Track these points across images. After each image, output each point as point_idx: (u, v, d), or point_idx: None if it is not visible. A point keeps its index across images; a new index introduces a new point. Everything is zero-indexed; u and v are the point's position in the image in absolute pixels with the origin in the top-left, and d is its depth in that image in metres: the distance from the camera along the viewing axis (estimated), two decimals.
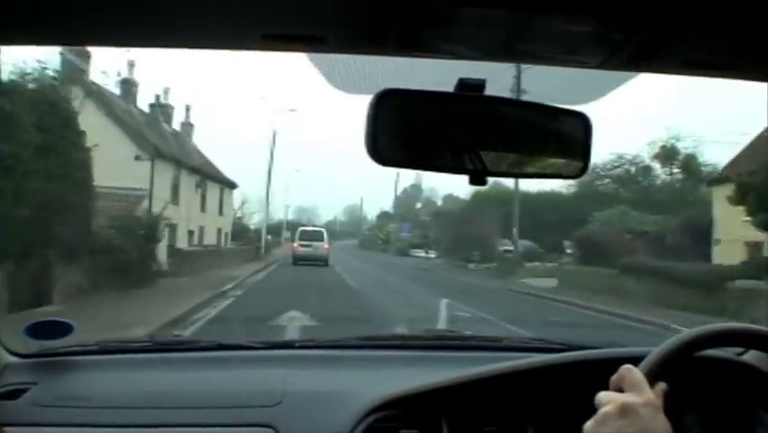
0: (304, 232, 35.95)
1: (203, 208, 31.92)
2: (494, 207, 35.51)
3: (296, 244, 34.41)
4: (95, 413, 1.74)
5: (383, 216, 77.44)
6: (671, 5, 1.02)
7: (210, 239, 33.12)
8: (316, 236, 34.95)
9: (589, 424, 1.10)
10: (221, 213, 36.10)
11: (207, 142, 53.84)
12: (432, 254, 46.47)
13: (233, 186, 38.16)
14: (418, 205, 69.93)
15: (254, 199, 51.18)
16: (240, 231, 41.42)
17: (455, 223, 41.03)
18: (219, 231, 35.46)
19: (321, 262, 31.74)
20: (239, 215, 46.18)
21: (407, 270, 32.52)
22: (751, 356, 1.72)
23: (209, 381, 1.92)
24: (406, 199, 73.11)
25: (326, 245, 34.31)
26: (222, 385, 1.89)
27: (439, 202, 66.69)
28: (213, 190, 33.76)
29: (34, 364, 1.91)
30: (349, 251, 53.58)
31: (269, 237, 47.56)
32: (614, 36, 1.11)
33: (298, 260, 32.26)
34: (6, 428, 1.69)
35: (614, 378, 1.14)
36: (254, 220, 49.68)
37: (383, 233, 67.81)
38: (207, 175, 32.41)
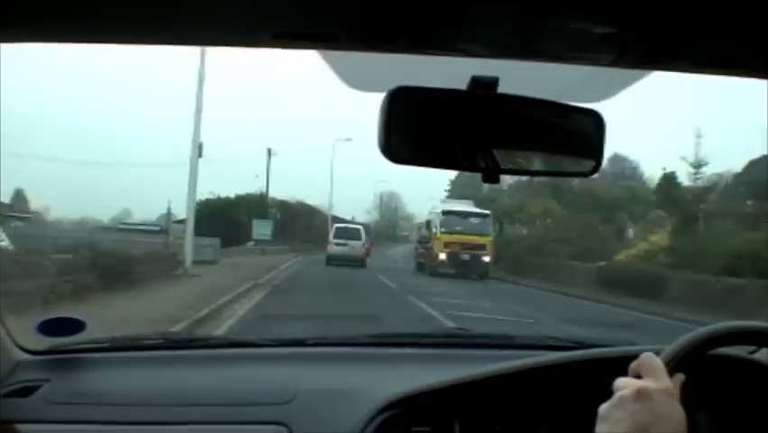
0: (339, 229, 33.63)
1: None
2: None
3: (330, 243, 32.41)
4: (106, 410, 1.75)
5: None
6: (683, 4, 1.02)
7: None
8: (353, 234, 32.81)
9: (604, 406, 1.10)
10: None
11: None
12: None
13: None
14: None
15: None
16: None
17: None
18: None
19: (356, 263, 30.10)
20: None
21: None
22: (763, 355, 1.72)
23: (221, 378, 1.92)
24: (469, 183, 58.86)
25: (363, 245, 32.51)
26: (234, 383, 1.89)
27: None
28: None
29: (46, 361, 1.92)
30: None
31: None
32: (626, 34, 1.11)
33: (332, 259, 30.47)
34: (18, 425, 1.70)
35: (633, 364, 1.15)
36: None
37: None
38: None
